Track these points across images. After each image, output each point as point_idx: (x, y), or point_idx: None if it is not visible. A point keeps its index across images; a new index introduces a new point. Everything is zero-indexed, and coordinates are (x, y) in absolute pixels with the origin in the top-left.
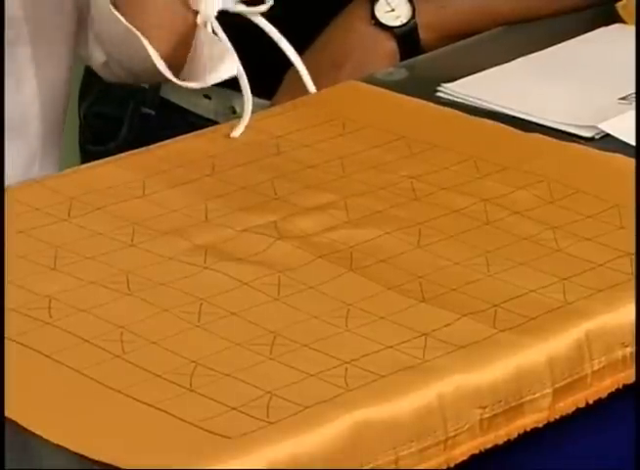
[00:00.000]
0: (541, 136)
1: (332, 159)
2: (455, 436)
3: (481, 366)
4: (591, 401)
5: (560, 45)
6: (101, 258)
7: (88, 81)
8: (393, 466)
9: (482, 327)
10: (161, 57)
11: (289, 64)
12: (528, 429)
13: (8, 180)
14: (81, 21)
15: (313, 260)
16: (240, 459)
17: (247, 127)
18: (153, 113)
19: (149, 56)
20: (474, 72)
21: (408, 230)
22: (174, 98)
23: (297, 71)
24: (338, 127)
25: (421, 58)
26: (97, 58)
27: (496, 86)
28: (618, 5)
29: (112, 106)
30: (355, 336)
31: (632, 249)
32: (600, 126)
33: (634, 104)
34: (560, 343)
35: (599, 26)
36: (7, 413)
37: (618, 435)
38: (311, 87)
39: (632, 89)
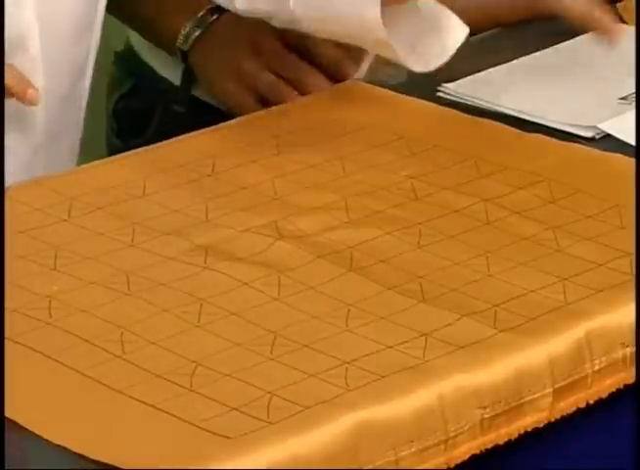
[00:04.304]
0: (541, 136)
1: (332, 159)
2: (455, 436)
3: (482, 366)
4: (591, 401)
5: (560, 45)
6: (101, 258)
7: (119, 76)
8: (394, 466)
9: (482, 327)
10: None
11: None
12: (529, 429)
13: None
14: None
15: (313, 260)
16: (240, 459)
17: (247, 127)
18: (184, 110)
19: None
20: (474, 72)
21: (408, 230)
22: (206, 97)
23: None
24: (338, 127)
25: None
26: None
27: (496, 86)
28: (619, 5)
29: (141, 101)
30: (355, 336)
31: (632, 249)
32: (600, 126)
33: (634, 104)
34: (560, 343)
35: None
36: (7, 413)
37: (618, 435)
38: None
39: (632, 89)
